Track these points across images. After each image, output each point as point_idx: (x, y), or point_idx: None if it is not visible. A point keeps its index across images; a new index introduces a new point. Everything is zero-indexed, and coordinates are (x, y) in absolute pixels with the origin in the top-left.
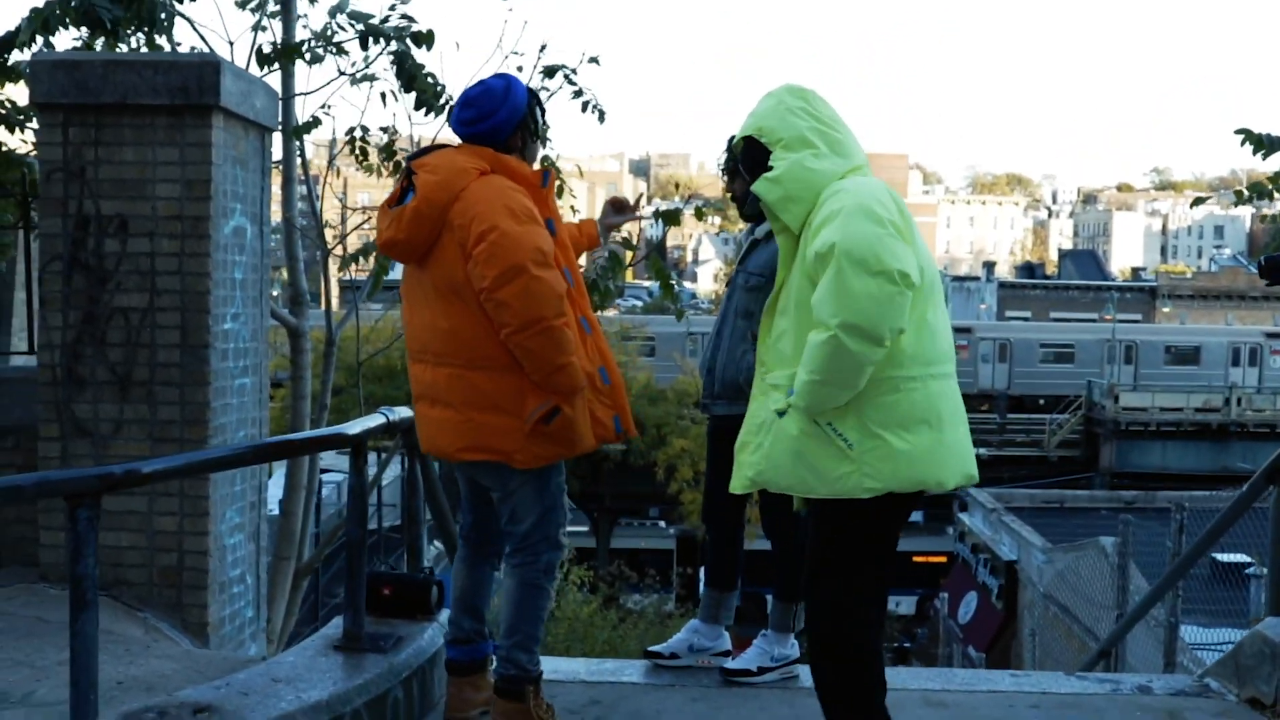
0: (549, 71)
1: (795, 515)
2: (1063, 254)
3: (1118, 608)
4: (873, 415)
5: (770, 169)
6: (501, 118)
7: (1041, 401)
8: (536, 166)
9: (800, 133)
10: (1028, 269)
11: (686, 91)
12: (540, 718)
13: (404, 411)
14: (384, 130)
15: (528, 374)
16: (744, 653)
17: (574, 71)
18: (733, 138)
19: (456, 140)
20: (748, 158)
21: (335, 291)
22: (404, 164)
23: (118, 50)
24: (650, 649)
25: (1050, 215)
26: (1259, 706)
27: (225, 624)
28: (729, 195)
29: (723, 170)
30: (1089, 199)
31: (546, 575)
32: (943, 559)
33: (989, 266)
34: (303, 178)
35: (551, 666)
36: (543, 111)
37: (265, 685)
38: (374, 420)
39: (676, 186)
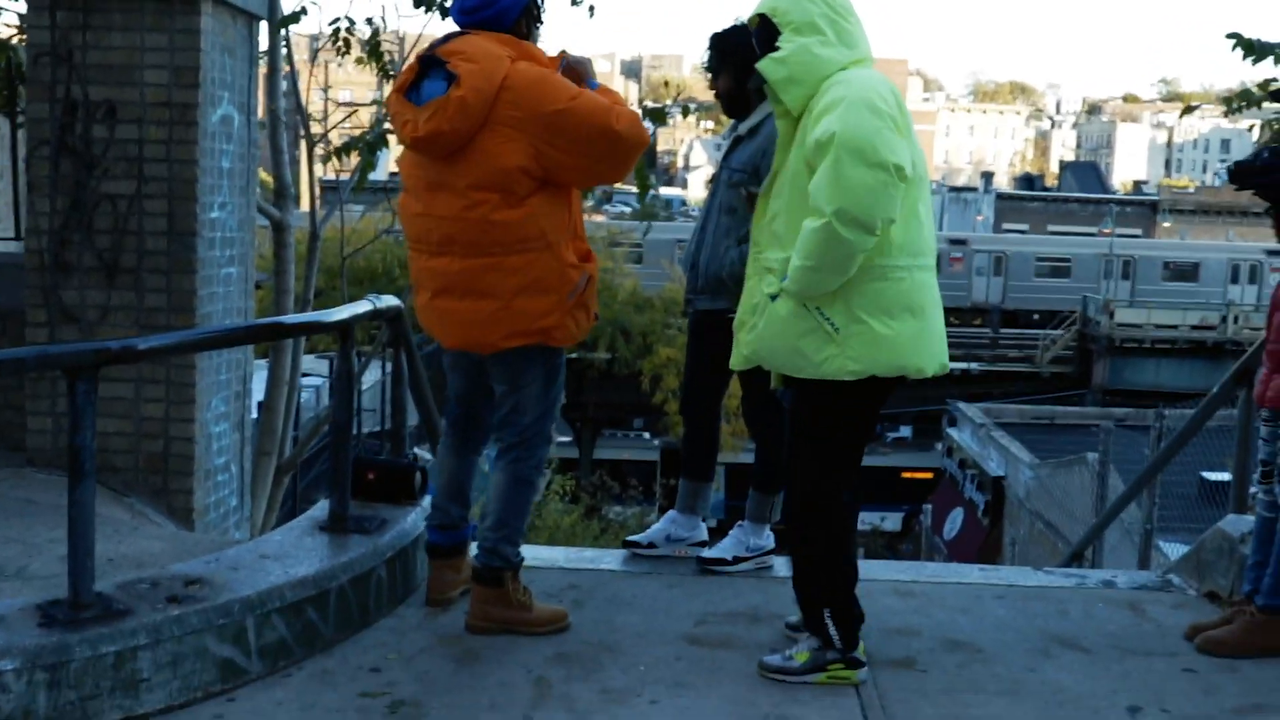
0: None
1: (778, 406)
2: (1064, 166)
3: (1096, 517)
4: (859, 301)
5: (777, 49)
6: (506, 3)
7: (1036, 316)
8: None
9: (811, 18)
10: (1027, 180)
11: None
12: (519, 600)
13: (390, 300)
14: (369, 22)
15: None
16: (720, 542)
17: None
18: (716, 34)
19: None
20: (759, 37)
21: (319, 195)
22: (425, 54)
23: None
24: (629, 539)
25: (1053, 126)
26: (1217, 600)
27: (210, 511)
28: (714, 93)
29: (706, 68)
30: (1093, 110)
31: (537, 471)
32: (929, 475)
33: (987, 177)
34: (287, 70)
35: (531, 554)
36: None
37: (253, 561)
38: (362, 306)
39: (666, 85)
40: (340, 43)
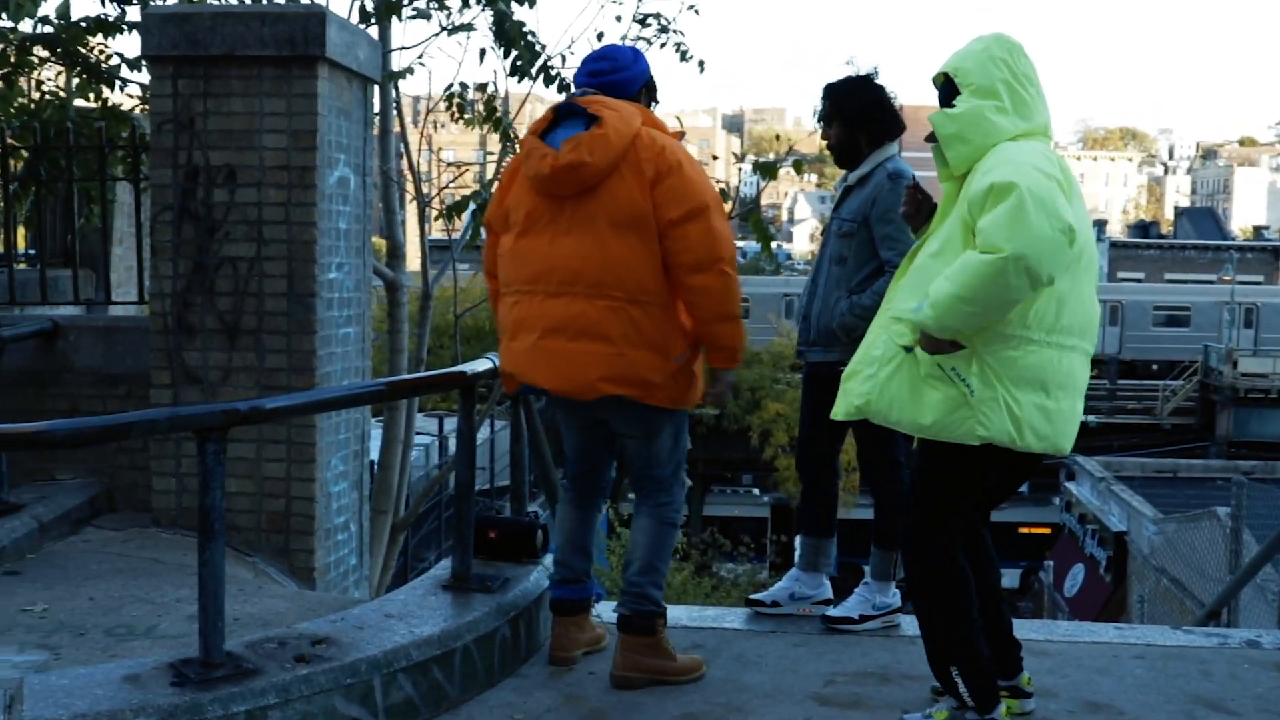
0: (641, 20)
1: (894, 459)
2: (1179, 212)
3: (1231, 574)
4: (999, 369)
5: (953, 106)
6: (633, 73)
7: (1154, 367)
8: None
9: (992, 82)
10: (1141, 228)
11: (781, 44)
12: (668, 650)
13: None
14: (480, 89)
15: (695, 317)
16: (845, 601)
17: (671, 21)
18: (830, 84)
19: (546, 102)
20: (942, 94)
21: (427, 250)
22: (562, 105)
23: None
24: (751, 598)
25: (1166, 171)
26: None
27: (330, 570)
28: (825, 144)
29: (819, 118)
30: (1209, 154)
31: (679, 514)
32: (1048, 530)
33: (1100, 225)
34: (398, 129)
35: None
36: (656, 87)
37: (379, 620)
38: (482, 364)
39: (777, 138)
40: (454, 109)
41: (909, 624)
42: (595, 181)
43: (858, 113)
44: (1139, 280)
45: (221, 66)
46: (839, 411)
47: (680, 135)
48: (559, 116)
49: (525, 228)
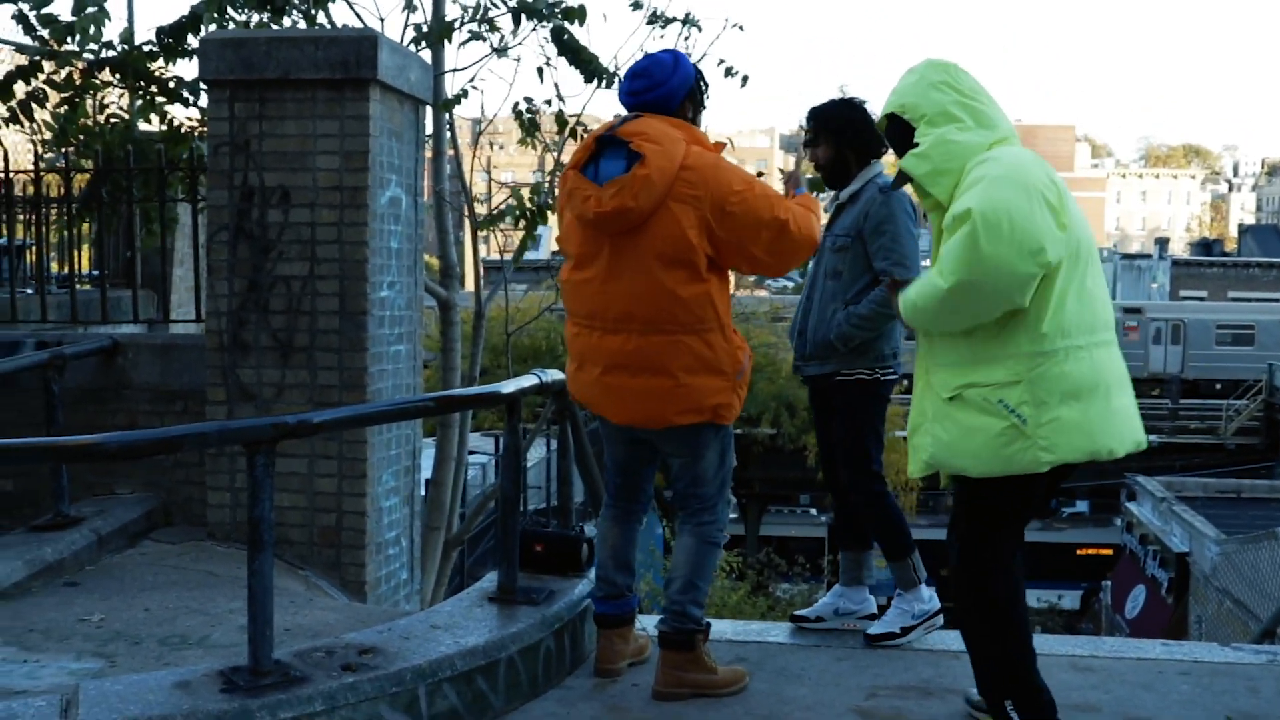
0: (681, 21)
1: (876, 474)
2: (1243, 230)
3: None
4: (1045, 388)
5: (916, 145)
6: (673, 85)
7: (1218, 386)
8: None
9: (943, 107)
10: (1205, 246)
11: (840, 66)
12: (709, 665)
13: (555, 374)
14: (547, 103)
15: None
16: (884, 617)
17: (698, 27)
18: (815, 107)
19: (616, 111)
20: (892, 135)
21: (483, 274)
22: (604, 134)
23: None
24: (795, 614)
25: (1230, 189)
26: None
27: (381, 584)
28: (814, 165)
29: (805, 141)
30: (1274, 171)
31: (721, 532)
32: (1109, 551)
33: (1162, 243)
34: (452, 153)
35: None
36: (706, 85)
37: (425, 631)
38: (528, 380)
39: None
40: (524, 122)
41: (952, 638)
42: (642, 220)
43: (844, 133)
44: (1202, 299)
45: (276, 89)
46: (914, 469)
47: (721, 147)
48: (600, 146)
49: (578, 263)
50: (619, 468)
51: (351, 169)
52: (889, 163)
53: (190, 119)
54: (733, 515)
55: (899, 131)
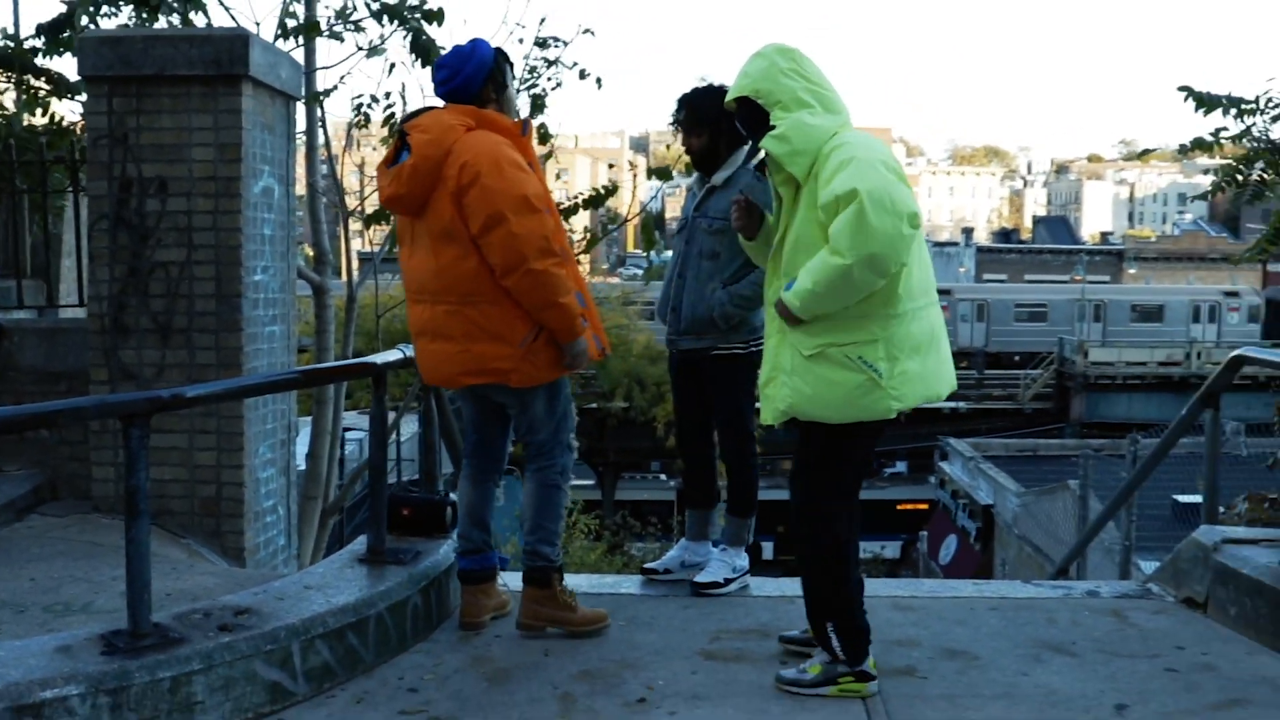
0: (541, 43)
1: (749, 432)
2: (1036, 220)
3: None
4: (897, 345)
5: (773, 127)
6: (469, 72)
7: (1016, 358)
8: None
9: (795, 94)
10: (1004, 235)
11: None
12: (566, 601)
13: None
14: (385, 96)
15: (524, 306)
16: (707, 568)
17: (565, 43)
18: (687, 95)
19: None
20: (744, 116)
21: (355, 263)
22: (397, 126)
23: (156, 27)
24: (646, 566)
25: (1025, 185)
26: (1193, 605)
27: (260, 550)
28: (686, 150)
29: (677, 125)
30: (1061, 169)
31: (563, 476)
32: (925, 506)
33: (968, 232)
34: (323, 145)
35: None
36: (510, 66)
37: (298, 591)
38: (393, 354)
39: (668, 148)
40: (360, 117)
41: (757, 584)
42: (417, 207)
43: (719, 120)
44: (1002, 281)
45: (153, 85)
46: (768, 417)
47: (522, 125)
48: (401, 140)
49: (400, 241)
50: (471, 424)
51: (226, 160)
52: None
53: (72, 110)
54: (589, 482)
55: (751, 114)
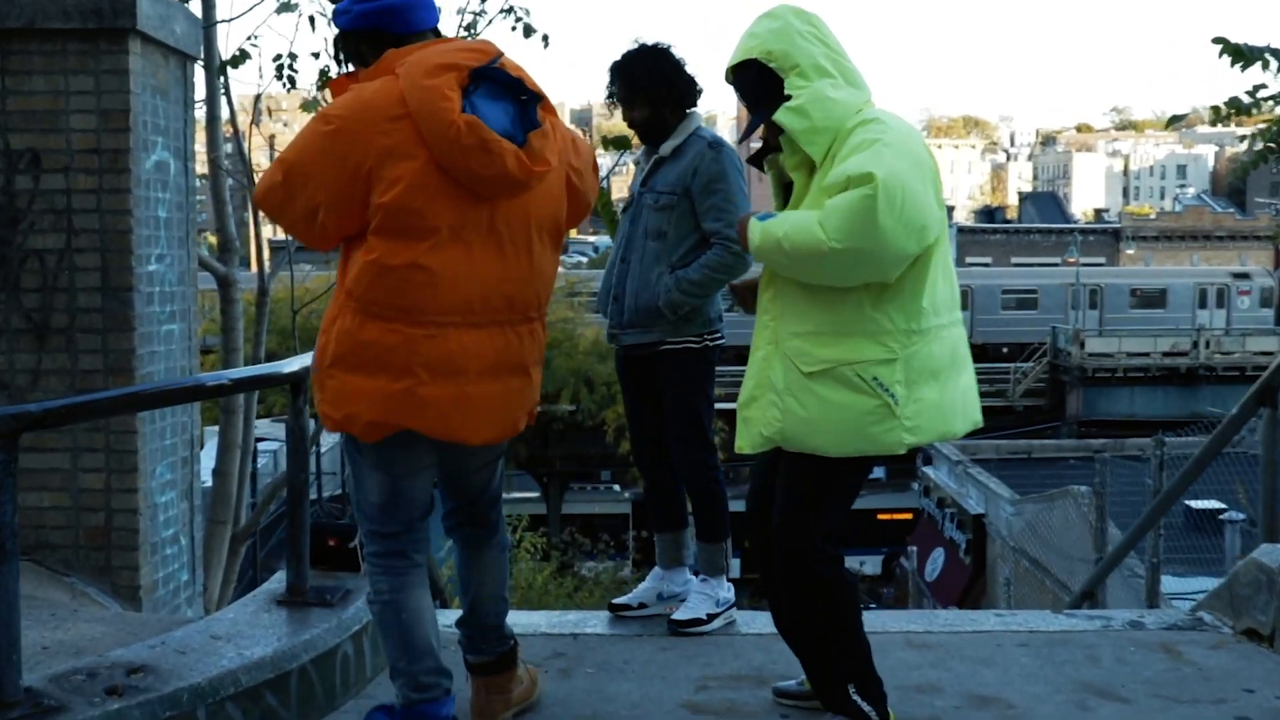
0: None
1: (709, 445)
2: (1023, 197)
3: (1096, 552)
4: (915, 366)
5: (788, 98)
6: (345, 24)
7: (1005, 350)
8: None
9: (815, 59)
10: (987, 213)
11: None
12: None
13: None
14: (314, 56)
15: None
16: (686, 603)
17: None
18: (620, 63)
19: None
20: (749, 85)
21: (266, 252)
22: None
23: None
24: (615, 602)
25: (1009, 158)
26: (1256, 637)
27: (159, 587)
28: (628, 124)
29: (615, 99)
30: (1048, 140)
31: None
32: (908, 516)
33: (947, 211)
34: (230, 130)
35: (511, 619)
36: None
37: (204, 643)
38: (311, 359)
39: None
40: (285, 80)
41: (745, 619)
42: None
43: (659, 87)
44: (987, 265)
45: (20, 41)
46: (745, 444)
47: (345, 82)
48: (478, 81)
49: (424, 234)
50: (447, 489)
51: (111, 129)
52: (708, 115)
53: None
54: (533, 494)
55: (762, 80)
